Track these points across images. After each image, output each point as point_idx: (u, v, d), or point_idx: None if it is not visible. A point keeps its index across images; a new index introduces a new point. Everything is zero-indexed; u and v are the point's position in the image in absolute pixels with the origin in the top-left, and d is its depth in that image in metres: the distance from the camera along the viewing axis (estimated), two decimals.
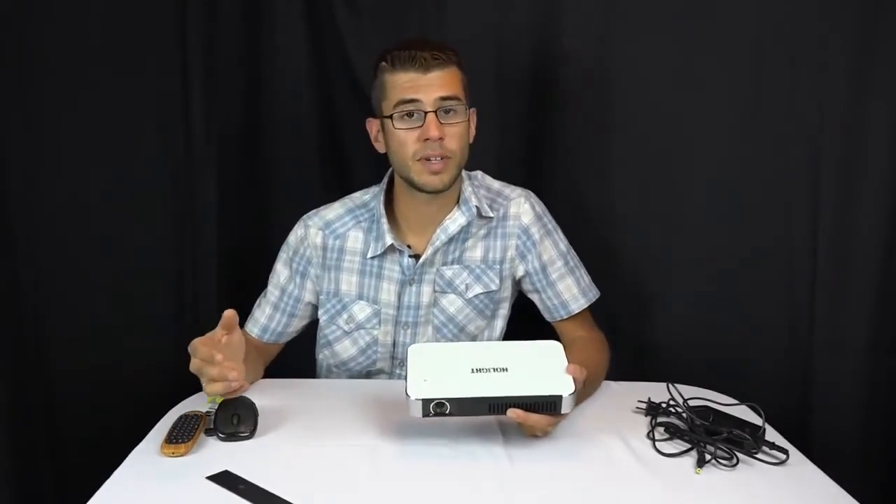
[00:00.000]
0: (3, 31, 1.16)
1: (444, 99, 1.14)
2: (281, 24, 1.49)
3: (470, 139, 1.23)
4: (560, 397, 0.96)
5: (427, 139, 1.13)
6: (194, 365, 1.01)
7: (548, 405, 0.96)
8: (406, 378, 0.99)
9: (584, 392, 1.11)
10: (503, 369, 0.99)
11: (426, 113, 1.13)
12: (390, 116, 1.15)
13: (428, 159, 1.15)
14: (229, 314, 1.02)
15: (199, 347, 1.00)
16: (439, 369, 1.00)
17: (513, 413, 0.95)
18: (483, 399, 0.96)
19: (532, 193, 1.33)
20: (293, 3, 1.49)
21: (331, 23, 1.49)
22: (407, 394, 0.96)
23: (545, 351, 1.04)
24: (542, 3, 1.44)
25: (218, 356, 0.98)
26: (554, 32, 1.44)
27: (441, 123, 1.14)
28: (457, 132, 1.16)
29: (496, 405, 0.96)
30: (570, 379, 0.97)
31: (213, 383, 0.99)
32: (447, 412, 0.95)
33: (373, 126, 1.24)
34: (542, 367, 1.00)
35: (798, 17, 1.32)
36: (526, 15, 1.45)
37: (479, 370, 0.99)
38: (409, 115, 1.14)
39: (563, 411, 0.97)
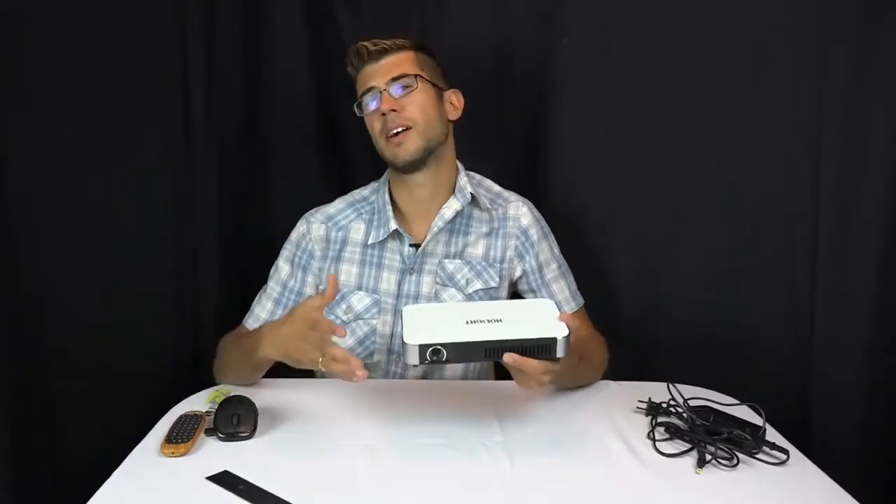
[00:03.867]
0: (4, 31, 1.16)
1: (394, 79, 1.21)
2: (281, 24, 1.49)
3: (451, 116, 1.28)
4: (554, 339, 0.95)
5: (384, 114, 1.20)
6: (312, 338, 1.01)
7: (543, 348, 0.96)
8: (402, 329, 0.99)
9: (576, 370, 1.12)
10: (497, 320, 0.99)
11: (381, 92, 1.21)
12: (359, 108, 1.25)
13: (389, 134, 1.21)
14: (333, 279, 1.04)
15: (322, 320, 1.01)
16: (435, 321, 1.00)
17: (509, 357, 0.95)
18: (479, 343, 0.96)
19: (529, 201, 1.35)
20: (293, 3, 1.49)
21: (331, 23, 1.49)
22: (403, 341, 0.96)
23: (537, 304, 1.07)
24: (541, 3, 1.45)
25: (340, 331, 1.00)
26: (554, 32, 1.44)
27: (395, 98, 1.21)
28: (414, 100, 1.22)
29: (492, 350, 0.96)
30: (562, 324, 0.98)
31: (335, 362, 0.99)
32: (444, 359, 0.95)
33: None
34: (535, 317, 1.01)
35: (798, 17, 1.32)
36: (525, 15, 1.46)
37: (474, 321, 0.99)
38: (372, 100, 1.23)
39: (557, 354, 0.96)
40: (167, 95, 1.38)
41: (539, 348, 0.96)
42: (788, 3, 1.32)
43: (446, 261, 1.29)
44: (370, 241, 1.28)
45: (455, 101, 1.29)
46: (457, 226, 1.29)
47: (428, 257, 1.28)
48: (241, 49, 1.48)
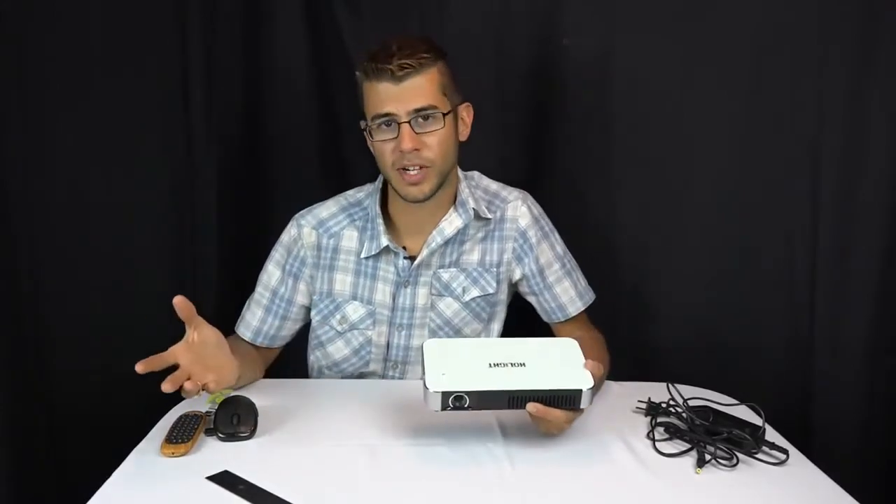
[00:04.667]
0: (3, 31, 1.16)
1: (418, 110, 1.12)
2: (281, 24, 1.49)
3: (462, 137, 1.21)
4: (580, 391, 0.95)
5: (399, 151, 1.12)
6: (183, 382, 0.96)
7: (567, 399, 0.96)
8: (423, 371, 0.97)
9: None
10: (521, 364, 0.98)
11: (401, 123, 1.12)
12: (369, 128, 1.15)
13: (406, 169, 1.14)
14: (179, 302, 0.99)
15: (184, 364, 0.98)
16: (457, 363, 0.98)
17: (532, 407, 0.94)
18: (503, 392, 0.95)
19: (529, 195, 1.32)
20: (293, 3, 1.48)
21: (331, 23, 1.49)
22: (425, 386, 0.95)
23: (562, 347, 1.04)
24: (541, 3, 1.44)
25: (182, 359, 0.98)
26: (554, 32, 1.44)
27: (417, 133, 1.12)
28: (435, 140, 1.14)
29: (515, 399, 0.95)
30: (588, 373, 0.97)
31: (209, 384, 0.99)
32: (466, 406, 0.94)
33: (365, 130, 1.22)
34: (559, 362, 1.00)
35: (798, 17, 1.32)
36: (526, 15, 1.45)
37: (496, 365, 0.98)
38: (387, 124, 1.13)
39: (581, 406, 0.96)
40: (167, 95, 1.39)
41: (563, 399, 0.96)
42: (788, 3, 1.32)
43: (441, 270, 1.26)
44: (364, 255, 1.24)
45: (466, 118, 1.22)
46: (453, 236, 1.24)
47: (423, 269, 1.25)
48: (241, 49, 1.48)
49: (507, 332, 1.34)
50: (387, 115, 1.12)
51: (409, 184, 1.15)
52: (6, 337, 1.19)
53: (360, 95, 1.17)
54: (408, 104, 1.11)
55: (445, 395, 0.94)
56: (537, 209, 1.32)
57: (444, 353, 1.01)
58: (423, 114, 1.12)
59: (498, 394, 0.95)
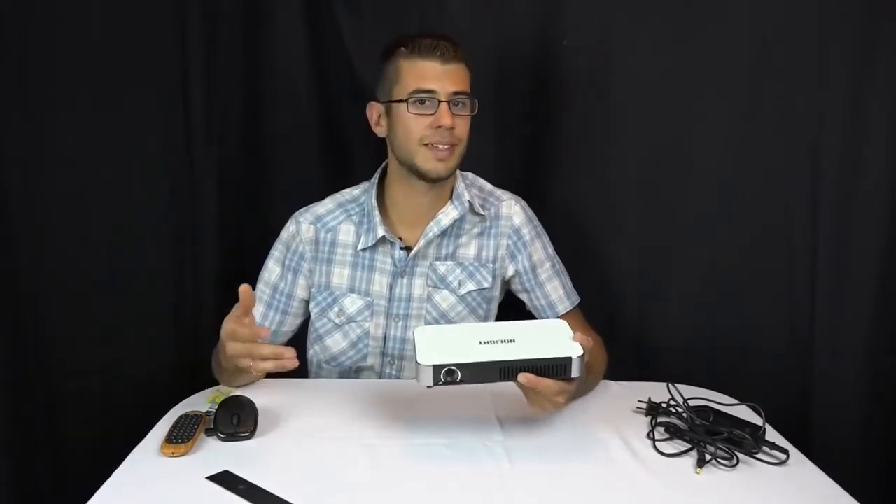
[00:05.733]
0: (3, 31, 1.16)
1: (456, 93, 1.18)
2: (281, 24, 1.49)
3: None
4: (570, 359, 0.95)
5: (439, 126, 1.17)
6: (237, 349, 1.02)
7: (557, 368, 0.96)
8: (415, 350, 0.98)
9: (584, 385, 1.11)
10: (511, 340, 0.99)
11: (439, 102, 1.17)
12: (405, 101, 1.18)
13: (436, 146, 1.18)
14: (247, 290, 1.02)
15: (239, 329, 1.02)
16: (448, 341, 1.00)
17: (523, 378, 0.95)
18: (493, 364, 0.95)
19: (521, 199, 1.35)
20: (293, 3, 1.49)
21: (331, 23, 1.49)
22: (417, 361, 0.95)
23: (550, 325, 1.06)
24: (541, 3, 1.44)
25: (262, 332, 1.02)
26: (554, 33, 1.45)
27: (453, 114, 1.17)
28: (465, 122, 1.21)
29: (507, 370, 0.95)
30: (577, 344, 0.98)
31: (265, 361, 1.01)
32: (458, 379, 0.95)
33: (374, 110, 1.25)
34: (548, 337, 1.01)
35: (798, 17, 1.32)
36: (526, 15, 1.46)
37: (487, 342, 0.99)
38: (422, 101, 1.18)
39: (572, 375, 0.96)
40: (167, 95, 1.38)
41: (554, 368, 0.96)
42: (788, 3, 1.32)
43: (438, 263, 1.29)
44: (360, 247, 1.27)
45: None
46: (449, 228, 1.28)
47: (420, 260, 1.28)
48: (241, 49, 1.48)
49: None
50: (429, 91, 1.17)
51: (437, 159, 1.19)
52: (6, 337, 1.19)
53: (392, 71, 1.20)
54: (449, 85, 1.17)
55: (437, 368, 0.94)
56: (529, 211, 1.35)
57: (436, 335, 1.03)
58: (460, 97, 1.19)
59: (489, 365, 0.95)
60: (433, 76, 1.17)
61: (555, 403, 0.99)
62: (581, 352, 0.96)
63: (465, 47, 1.21)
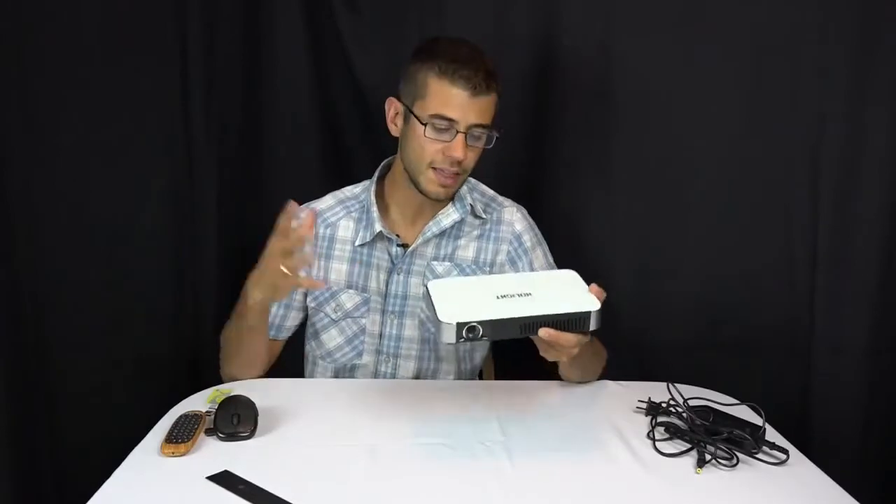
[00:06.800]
0: (3, 31, 1.16)
1: (476, 126, 1.16)
2: (281, 24, 1.49)
3: None
4: (589, 313, 0.96)
5: (449, 156, 1.16)
6: (280, 245, 1.05)
7: (577, 322, 0.96)
8: (433, 307, 0.97)
9: (590, 348, 1.10)
10: (527, 294, 0.99)
11: (458, 132, 1.15)
12: (423, 122, 1.16)
13: (442, 170, 1.18)
14: (292, 203, 1.05)
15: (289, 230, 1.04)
16: (465, 296, 0.99)
17: (545, 333, 0.95)
18: (515, 320, 0.95)
19: (522, 207, 1.35)
20: (293, 3, 1.49)
21: (331, 23, 1.49)
22: (438, 319, 0.94)
23: (562, 276, 1.06)
24: (541, 3, 1.44)
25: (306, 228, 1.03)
26: (554, 33, 1.45)
27: (467, 146, 1.16)
28: (475, 154, 1.20)
29: (527, 325, 0.95)
30: (593, 296, 0.98)
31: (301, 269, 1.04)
32: (480, 336, 0.94)
33: (393, 107, 1.23)
34: (564, 289, 1.01)
35: (799, 18, 1.32)
36: (526, 15, 1.46)
37: (503, 296, 0.99)
38: (441, 129, 1.16)
39: (591, 328, 0.97)
40: (167, 95, 1.38)
41: (573, 322, 0.96)
42: (789, 3, 1.32)
43: (435, 263, 1.29)
44: (358, 243, 1.27)
45: None
46: (449, 230, 1.29)
47: (417, 258, 1.28)
48: (241, 49, 1.48)
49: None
50: (449, 119, 1.15)
51: (440, 184, 1.19)
52: (6, 337, 1.19)
53: (420, 82, 1.17)
54: (471, 118, 1.15)
55: (460, 326, 0.93)
56: (530, 219, 1.35)
57: (451, 289, 1.02)
58: (480, 131, 1.17)
59: (510, 321, 0.95)
60: (458, 104, 1.14)
61: (569, 354, 1.00)
62: (598, 305, 0.97)
63: (500, 73, 1.17)
